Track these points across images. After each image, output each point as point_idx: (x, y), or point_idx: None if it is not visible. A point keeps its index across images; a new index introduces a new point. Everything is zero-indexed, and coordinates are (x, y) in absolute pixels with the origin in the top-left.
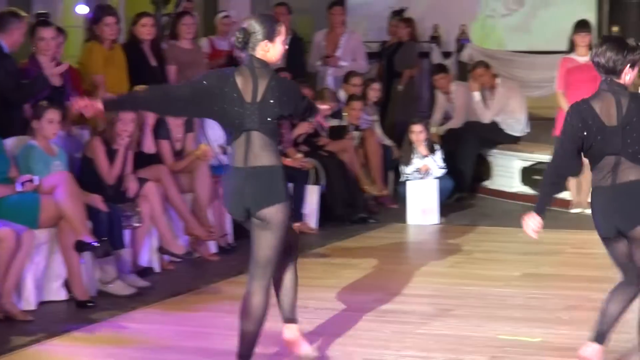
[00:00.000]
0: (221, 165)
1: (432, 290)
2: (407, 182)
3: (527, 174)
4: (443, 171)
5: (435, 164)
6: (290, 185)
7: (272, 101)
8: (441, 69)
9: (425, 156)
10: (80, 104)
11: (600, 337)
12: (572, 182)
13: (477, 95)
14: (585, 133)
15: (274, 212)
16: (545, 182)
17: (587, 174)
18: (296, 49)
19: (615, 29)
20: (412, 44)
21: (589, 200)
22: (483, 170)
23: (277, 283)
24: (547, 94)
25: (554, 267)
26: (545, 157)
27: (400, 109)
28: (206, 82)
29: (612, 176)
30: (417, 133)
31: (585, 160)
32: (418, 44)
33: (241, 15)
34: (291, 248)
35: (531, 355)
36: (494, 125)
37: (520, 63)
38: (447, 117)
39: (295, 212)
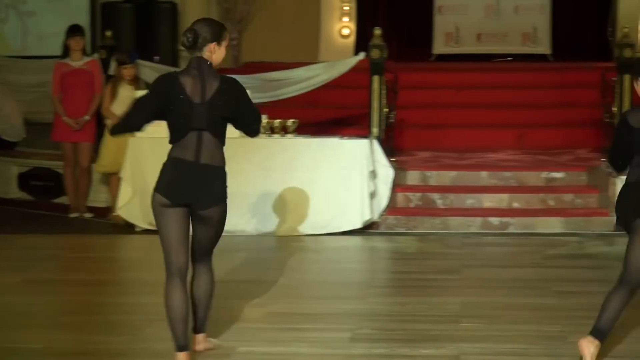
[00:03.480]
0: None
1: None
2: None
3: (25, 180)
4: None
5: None
6: None
7: (220, 103)
8: None
9: None
10: None
11: None
12: (69, 186)
13: None
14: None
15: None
16: None
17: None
18: None
19: (108, 33)
20: None
21: (86, 204)
22: None
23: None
24: (42, 99)
25: (55, 272)
26: (43, 162)
27: None
28: (153, 95)
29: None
30: None
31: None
32: None
33: None
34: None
35: None
36: None
37: (13, 68)
38: None
39: None
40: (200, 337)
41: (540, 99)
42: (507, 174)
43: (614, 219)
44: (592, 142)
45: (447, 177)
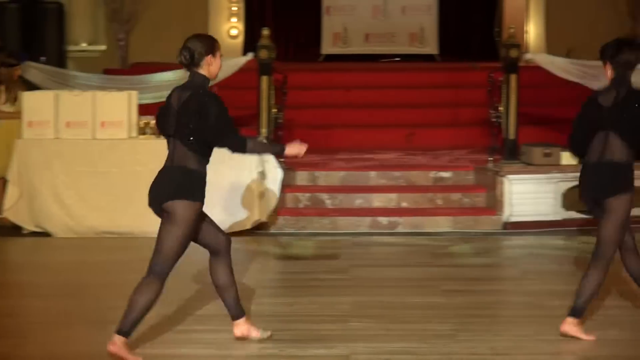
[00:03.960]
0: None
1: None
2: None
3: None
4: None
5: None
6: None
7: (182, 112)
8: None
9: None
10: None
11: None
12: None
13: None
14: None
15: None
16: None
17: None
18: None
19: None
20: None
21: None
22: None
23: (219, 286)
24: None
25: None
26: None
27: None
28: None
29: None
30: None
31: None
32: None
33: None
34: (220, 251)
35: None
36: None
37: None
38: None
39: None
40: (117, 338)
41: (427, 99)
42: (396, 173)
43: (501, 217)
44: (480, 141)
45: (336, 177)
